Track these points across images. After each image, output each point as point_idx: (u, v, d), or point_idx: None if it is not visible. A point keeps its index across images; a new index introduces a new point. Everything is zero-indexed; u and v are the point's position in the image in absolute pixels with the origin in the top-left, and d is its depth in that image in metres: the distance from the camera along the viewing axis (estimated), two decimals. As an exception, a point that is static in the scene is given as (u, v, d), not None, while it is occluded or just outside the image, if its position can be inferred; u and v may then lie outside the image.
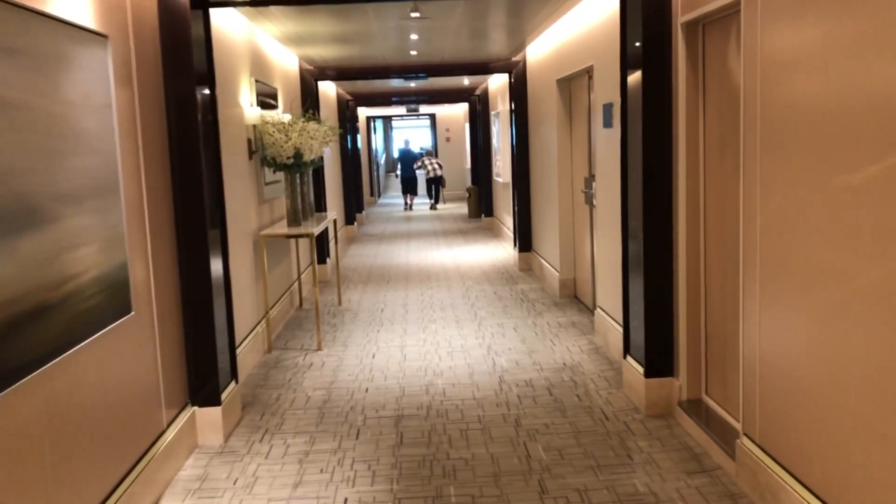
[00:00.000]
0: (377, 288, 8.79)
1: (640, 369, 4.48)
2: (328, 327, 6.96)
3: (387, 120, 31.53)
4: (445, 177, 21.24)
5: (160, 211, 3.95)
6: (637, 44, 4.40)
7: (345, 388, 5.21)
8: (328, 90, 12.27)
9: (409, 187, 19.17)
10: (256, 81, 6.46)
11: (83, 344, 2.91)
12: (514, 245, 9.93)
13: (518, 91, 9.40)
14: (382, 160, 28.85)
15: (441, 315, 7.25)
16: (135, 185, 3.60)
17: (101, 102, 3.10)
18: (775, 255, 3.09)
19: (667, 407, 4.42)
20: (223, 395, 4.37)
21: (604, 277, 5.99)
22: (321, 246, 9.34)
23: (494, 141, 12.40)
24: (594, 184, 6.54)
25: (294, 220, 6.53)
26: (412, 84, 13.10)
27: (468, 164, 18.54)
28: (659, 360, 4.42)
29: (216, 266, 4.36)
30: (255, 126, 6.23)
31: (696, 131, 4.13)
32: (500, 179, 11.81)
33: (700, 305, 4.23)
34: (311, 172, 7.62)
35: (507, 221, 11.85)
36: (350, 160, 14.23)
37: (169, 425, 3.94)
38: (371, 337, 6.55)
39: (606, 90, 5.63)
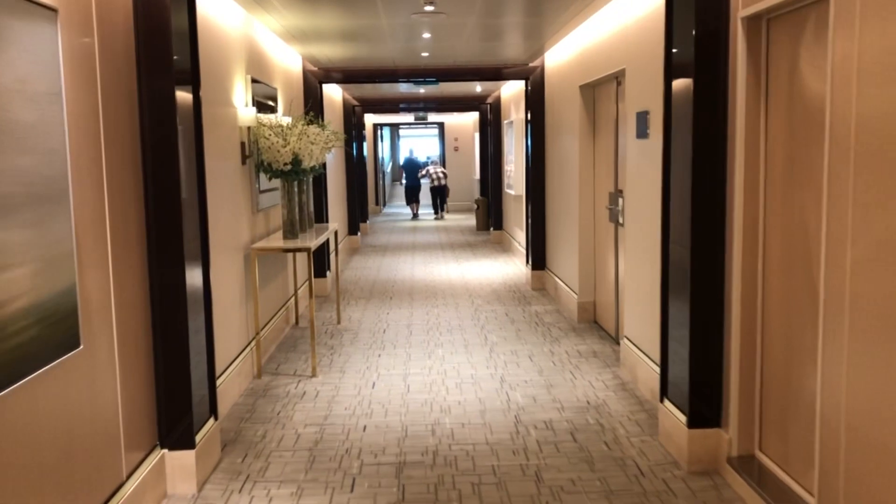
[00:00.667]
0: (380, 305, 8.20)
1: (682, 417, 3.88)
2: (325, 349, 6.37)
3: (394, 128, 31.05)
4: (452, 187, 20.75)
5: (128, 222, 3.36)
6: (686, 43, 3.82)
7: (340, 424, 4.60)
8: (334, 94, 11.72)
9: (412, 196, 19.01)
10: (253, 80, 5.89)
11: (8, 391, 2.32)
12: (527, 262, 9.33)
13: (535, 99, 8.82)
14: (389, 168, 28.31)
15: (448, 338, 6.65)
16: (93, 192, 3.01)
17: (43, 90, 2.52)
18: (874, 297, 2.49)
19: (713, 463, 3.81)
20: (198, 436, 3.77)
21: (632, 304, 5.39)
22: (321, 259, 8.76)
23: (506, 151, 11.83)
24: (621, 200, 5.95)
25: (290, 232, 5.94)
26: (421, 90, 12.56)
27: (477, 175, 17.98)
28: (705, 408, 3.82)
29: (194, 284, 3.77)
30: (249, 128, 5.66)
31: (757, 145, 3.54)
32: (511, 192, 11.24)
33: (756, 346, 3.62)
34: (310, 180, 7.05)
35: (519, 236, 11.26)
36: (355, 168, 13.67)
37: (131, 474, 3.34)
38: (371, 362, 5.95)
39: (641, 97, 5.04)
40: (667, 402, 4.11)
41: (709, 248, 3.77)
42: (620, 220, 6.04)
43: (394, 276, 10.23)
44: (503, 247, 12.85)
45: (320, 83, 9.00)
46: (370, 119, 20.40)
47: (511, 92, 11.75)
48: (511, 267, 10.68)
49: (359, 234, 13.56)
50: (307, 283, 8.34)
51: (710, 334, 3.79)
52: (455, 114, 20.17)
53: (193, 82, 3.87)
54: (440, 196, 18.55)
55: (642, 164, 5.06)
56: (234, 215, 5.31)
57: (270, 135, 5.62)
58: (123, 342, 3.28)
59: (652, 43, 4.74)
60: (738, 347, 3.64)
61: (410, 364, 5.89)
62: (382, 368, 5.79)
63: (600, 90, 6.66)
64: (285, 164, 5.71)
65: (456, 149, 21.22)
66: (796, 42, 3.26)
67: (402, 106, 15.46)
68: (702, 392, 3.82)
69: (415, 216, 18.95)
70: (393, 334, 6.86)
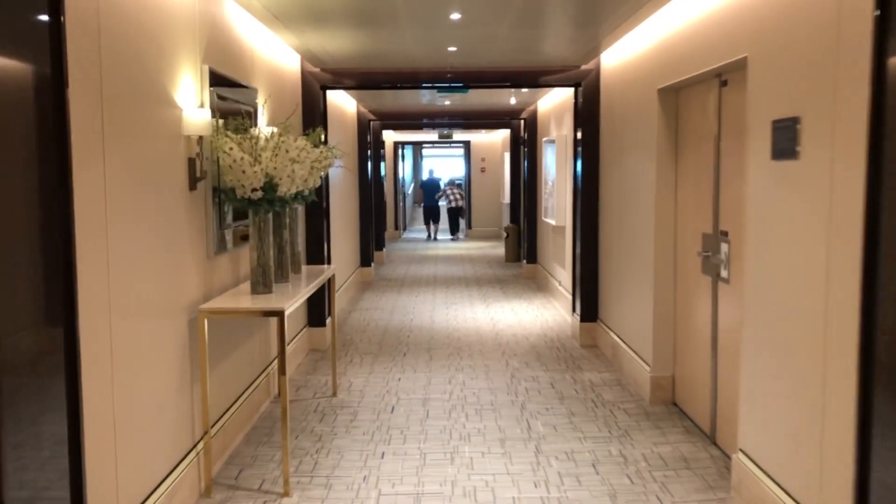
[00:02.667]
0: (389, 364, 6.49)
1: None
2: (309, 442, 4.66)
3: (417, 147, 29.54)
4: (477, 211, 19.10)
5: None
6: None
7: None
8: (345, 105, 10.11)
9: (431, 216, 18.83)
10: (214, 75, 4.25)
11: None
12: (573, 310, 7.58)
13: (587, 110, 7.12)
14: (410, 190, 26.70)
15: (478, 426, 4.92)
16: None
17: None
18: None
19: None
20: None
21: (761, 407, 3.62)
22: (319, 305, 7.08)
23: (544, 174, 10.12)
24: (726, 245, 4.21)
25: (262, 283, 4.26)
26: (447, 102, 10.90)
27: (506, 199, 16.29)
28: None
29: (49, 364, 2.10)
30: (201, 139, 3.99)
31: None
32: (550, 221, 9.51)
33: None
34: (300, 211, 5.40)
35: (559, 273, 9.51)
36: (370, 190, 12.03)
37: None
38: (371, 468, 4.24)
39: (782, 97, 3.32)
40: None
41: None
42: (723, 274, 4.30)
43: (409, 321, 8.51)
44: (538, 284, 11.09)
45: (324, 89, 7.37)
46: (390, 136, 18.81)
47: (552, 104, 10.05)
48: (551, 312, 8.92)
49: (372, 265, 11.89)
50: (302, 333, 6.72)
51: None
52: (482, 132, 18.53)
53: (54, 53, 2.22)
54: (457, 217, 18.43)
55: (782, 197, 3.32)
56: (170, 263, 3.64)
57: (233, 148, 3.96)
58: None
59: (808, 13, 3.03)
60: None
61: (425, 473, 4.16)
62: (385, 480, 4.07)
63: (690, 95, 4.94)
64: (254, 189, 4.04)
65: (483, 170, 19.55)
66: None
67: (424, 121, 13.81)
68: None
69: (430, 237, 18.77)
70: (403, 416, 5.14)
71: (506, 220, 16.90)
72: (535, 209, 11.66)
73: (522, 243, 13.19)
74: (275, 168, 4.08)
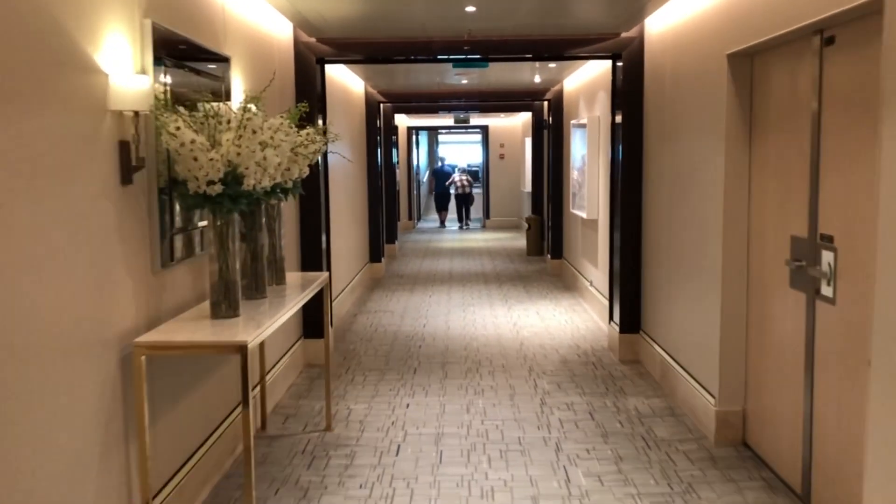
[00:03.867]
0: (396, 386, 5.52)
1: None
2: (293, 499, 3.70)
3: (432, 133, 28.53)
4: (496, 200, 18.12)
5: None
6: None
7: None
8: (352, 85, 9.11)
9: (442, 204, 18.80)
10: (162, 33, 3.26)
11: None
12: (610, 318, 6.57)
13: (629, 86, 6.08)
14: (426, 178, 25.68)
15: (503, 476, 3.94)
16: None
17: None
18: None
19: None
20: None
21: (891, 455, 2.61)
22: (316, 313, 6.12)
23: (573, 161, 9.09)
24: (831, 254, 3.19)
25: (225, 304, 3.28)
26: (464, 80, 9.87)
27: (527, 188, 15.25)
28: None
29: None
30: (138, 114, 3.01)
31: None
32: (580, 214, 8.49)
33: None
34: (293, 205, 4.45)
35: (590, 272, 8.49)
36: (380, 179, 11.04)
37: None
38: (367, 543, 3.28)
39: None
40: None
41: None
42: (824, 290, 3.28)
43: (422, 326, 7.53)
44: (565, 282, 10.07)
45: (321, 63, 6.37)
46: (403, 122, 17.80)
47: (581, 82, 9.00)
48: (581, 318, 7.91)
49: (383, 260, 10.92)
50: (299, 342, 5.74)
51: None
52: (501, 116, 17.47)
53: None
54: (465, 204, 18.13)
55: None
56: (93, 281, 2.68)
57: (181, 128, 2.99)
58: None
59: None
60: None
61: (437, 552, 3.19)
62: (384, 564, 3.11)
63: (772, 60, 3.90)
64: (211, 182, 3.07)
65: (501, 156, 18.49)
66: None
67: (440, 103, 12.76)
68: None
69: (442, 224, 18.67)
70: (411, 460, 4.17)
71: (526, 210, 15.89)
72: (561, 199, 10.63)
73: (546, 236, 12.18)
74: (238, 154, 3.10)
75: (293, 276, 4.55)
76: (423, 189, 24.45)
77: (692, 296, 4.79)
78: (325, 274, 4.63)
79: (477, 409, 5.02)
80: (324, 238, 6.23)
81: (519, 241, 15.24)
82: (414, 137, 19.43)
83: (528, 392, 5.37)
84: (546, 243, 11.67)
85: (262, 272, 3.77)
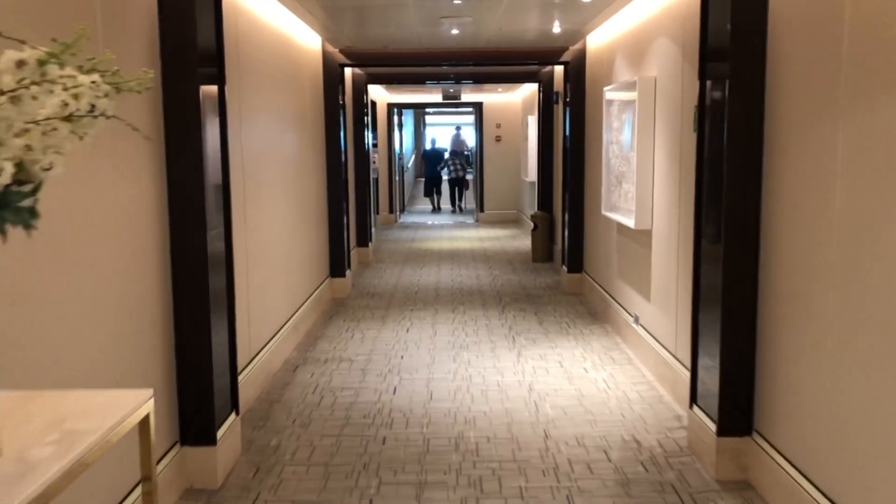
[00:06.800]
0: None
1: None
2: None
3: (418, 113, 25.87)
4: (491, 191, 15.61)
5: None
6: None
7: None
8: (297, 37, 6.51)
9: (433, 187, 18.12)
10: None
11: None
12: (692, 400, 4.02)
13: (744, 17, 3.50)
14: (411, 164, 23.06)
15: None
16: None
17: None
18: None
19: None
20: None
21: None
22: (204, 399, 3.55)
23: (608, 144, 6.50)
24: None
25: None
26: (454, 31, 7.25)
27: (529, 176, 12.69)
28: None
29: None
30: None
31: None
32: (622, 220, 5.93)
33: None
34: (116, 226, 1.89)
35: (634, 302, 5.95)
36: (346, 167, 8.45)
37: None
38: None
39: None
40: None
41: None
42: None
43: (390, 392, 4.98)
44: (589, 307, 7.52)
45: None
46: (382, 97, 15.17)
47: (620, 32, 6.43)
48: (628, 375, 5.36)
49: (348, 273, 8.35)
50: (176, 449, 3.20)
51: None
52: (499, 90, 14.85)
53: None
54: (458, 187, 17.57)
55: None
56: None
57: None
58: None
59: None
60: None
61: None
62: None
63: None
64: None
65: (498, 138, 15.88)
66: None
67: (425, 66, 10.08)
68: None
69: (435, 209, 18.05)
70: None
71: (528, 203, 13.35)
72: (582, 195, 8.07)
73: (556, 239, 9.66)
74: None
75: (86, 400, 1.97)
76: (409, 176, 21.87)
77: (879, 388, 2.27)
78: (133, 410, 2.02)
79: None
80: (211, 279, 3.63)
81: (520, 240, 12.68)
82: (396, 117, 16.80)
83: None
84: (561, 250, 9.14)
85: None
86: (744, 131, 3.53)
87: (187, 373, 3.61)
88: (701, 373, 3.92)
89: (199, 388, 3.62)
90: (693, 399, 4.01)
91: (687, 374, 4.37)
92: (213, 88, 3.71)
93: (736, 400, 3.65)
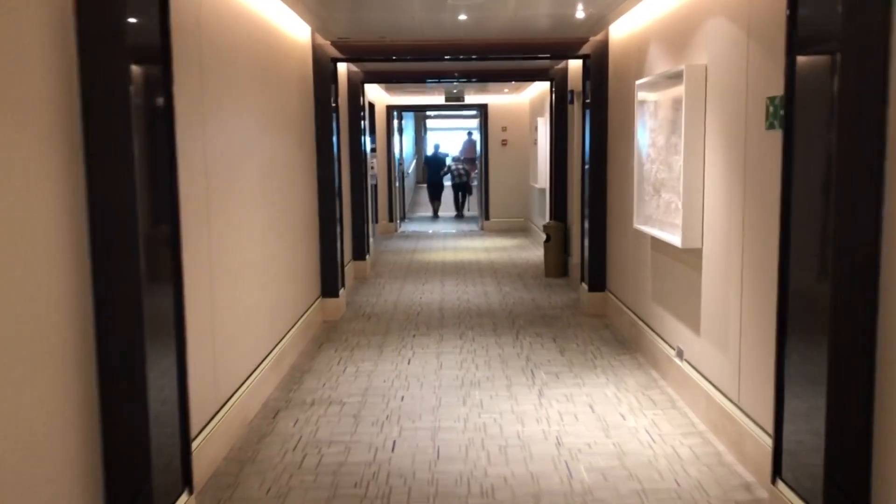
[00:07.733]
0: None
1: None
2: None
3: (419, 116, 25.04)
4: (497, 198, 14.75)
5: None
6: None
7: None
8: (285, 28, 5.64)
9: (435, 193, 17.67)
10: None
11: None
12: (775, 474, 3.13)
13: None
14: (412, 169, 22.19)
15: None
16: None
17: None
18: None
19: None
20: None
21: None
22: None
23: (641, 147, 5.61)
24: None
25: None
26: (461, 16, 6.36)
27: (539, 183, 11.81)
28: None
29: None
30: None
31: None
32: (663, 237, 5.05)
33: None
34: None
35: (676, 333, 5.05)
36: (339, 174, 7.56)
37: None
38: None
39: None
40: None
41: None
42: None
43: (387, 453, 4.08)
44: (616, 333, 6.61)
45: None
46: (381, 98, 14.30)
47: (654, 17, 5.55)
48: (673, 423, 4.46)
49: (341, 292, 7.46)
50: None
51: None
52: (505, 91, 13.96)
53: None
54: (462, 193, 17.52)
55: None
56: None
57: None
58: None
59: None
60: None
61: None
62: None
63: None
64: None
65: (504, 142, 15.00)
66: None
67: (426, 58, 9.18)
68: None
69: (435, 215, 17.58)
70: None
71: (537, 211, 12.47)
72: (605, 205, 7.19)
73: (573, 252, 8.78)
74: None
75: None
76: (410, 182, 21.01)
77: None
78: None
79: None
80: (149, 309, 2.73)
81: (529, 250, 11.79)
82: (395, 120, 15.93)
83: None
84: (579, 264, 8.24)
85: None
86: (858, 126, 2.64)
87: (115, 443, 2.72)
88: (788, 438, 3.03)
89: (130, 466, 2.73)
90: (776, 472, 3.12)
91: (754, 429, 3.50)
92: (155, 82, 2.83)
93: (844, 485, 2.75)
